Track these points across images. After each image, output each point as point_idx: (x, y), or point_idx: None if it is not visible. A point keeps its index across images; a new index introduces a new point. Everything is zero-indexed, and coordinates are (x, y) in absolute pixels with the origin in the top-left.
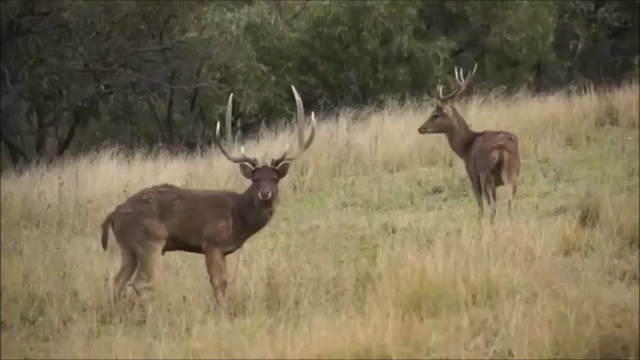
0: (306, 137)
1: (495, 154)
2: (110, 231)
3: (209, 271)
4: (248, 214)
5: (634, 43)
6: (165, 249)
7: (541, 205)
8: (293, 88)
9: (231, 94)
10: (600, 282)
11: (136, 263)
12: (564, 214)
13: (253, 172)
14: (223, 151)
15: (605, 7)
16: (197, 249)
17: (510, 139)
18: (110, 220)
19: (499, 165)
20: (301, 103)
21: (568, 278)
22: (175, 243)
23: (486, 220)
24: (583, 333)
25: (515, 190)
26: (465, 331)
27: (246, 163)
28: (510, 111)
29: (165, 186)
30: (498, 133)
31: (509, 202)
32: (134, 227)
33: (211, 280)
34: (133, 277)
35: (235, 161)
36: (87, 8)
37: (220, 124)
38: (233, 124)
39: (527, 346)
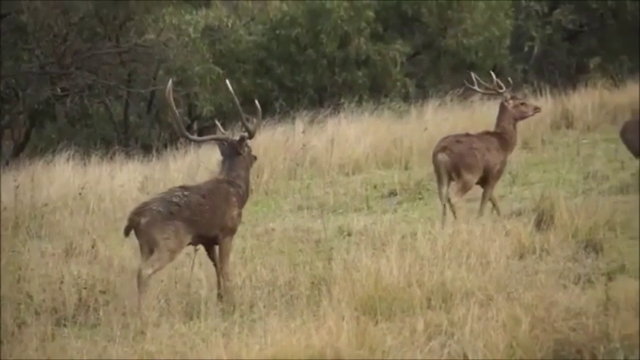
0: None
1: (439, 157)
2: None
3: (225, 260)
4: (244, 194)
5: (589, 45)
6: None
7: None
8: (227, 82)
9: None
10: (555, 285)
11: None
12: (519, 218)
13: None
14: (188, 138)
15: (560, 10)
16: (211, 241)
17: (458, 140)
18: (140, 214)
19: (444, 166)
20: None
21: (523, 282)
22: (199, 239)
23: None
24: (537, 336)
25: (462, 190)
26: (420, 335)
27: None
28: (466, 114)
29: (183, 187)
30: (456, 135)
31: (448, 202)
32: (165, 226)
33: (224, 268)
34: (144, 262)
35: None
36: (44, 10)
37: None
38: (189, 127)
39: (482, 349)
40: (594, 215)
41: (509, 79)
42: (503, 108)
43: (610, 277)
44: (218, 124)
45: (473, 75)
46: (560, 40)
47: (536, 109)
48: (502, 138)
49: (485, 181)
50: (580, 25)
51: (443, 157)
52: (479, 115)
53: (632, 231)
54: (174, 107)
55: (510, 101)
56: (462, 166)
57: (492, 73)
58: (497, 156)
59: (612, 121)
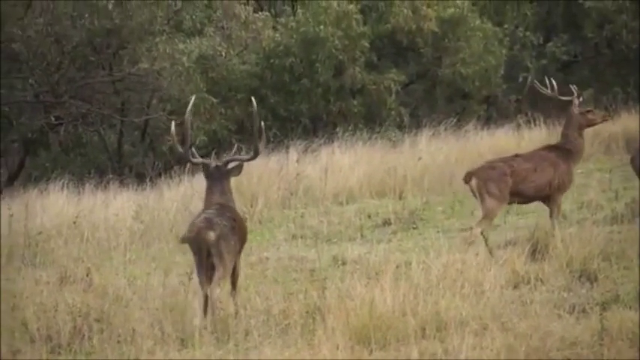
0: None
1: (471, 183)
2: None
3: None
4: None
5: (583, 75)
6: None
7: (491, 238)
8: (252, 99)
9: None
10: (549, 315)
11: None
12: (514, 247)
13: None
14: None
15: (554, 41)
16: None
17: (492, 166)
18: (210, 228)
19: (473, 191)
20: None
21: (517, 311)
22: None
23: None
24: None
25: (485, 218)
26: None
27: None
28: (460, 144)
29: (219, 205)
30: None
31: (470, 230)
32: (231, 238)
33: (235, 293)
34: (212, 285)
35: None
36: (37, 39)
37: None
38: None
39: None
40: (588, 245)
41: (574, 86)
42: (570, 115)
43: (604, 306)
44: (194, 150)
45: (549, 79)
46: (554, 70)
47: (605, 118)
48: (563, 149)
49: (547, 197)
50: (574, 55)
51: (471, 183)
52: (472, 144)
53: (626, 261)
54: (190, 127)
55: (577, 108)
56: (486, 192)
57: (551, 79)
58: (554, 171)
59: (606, 151)
